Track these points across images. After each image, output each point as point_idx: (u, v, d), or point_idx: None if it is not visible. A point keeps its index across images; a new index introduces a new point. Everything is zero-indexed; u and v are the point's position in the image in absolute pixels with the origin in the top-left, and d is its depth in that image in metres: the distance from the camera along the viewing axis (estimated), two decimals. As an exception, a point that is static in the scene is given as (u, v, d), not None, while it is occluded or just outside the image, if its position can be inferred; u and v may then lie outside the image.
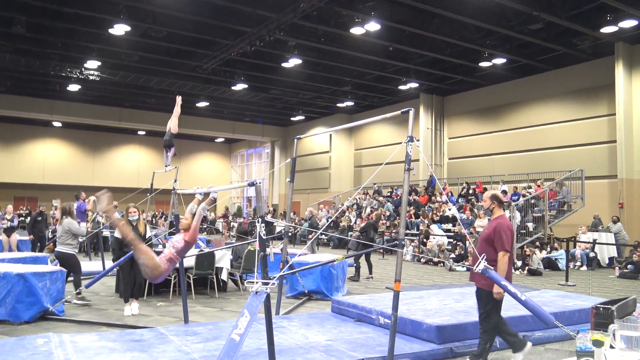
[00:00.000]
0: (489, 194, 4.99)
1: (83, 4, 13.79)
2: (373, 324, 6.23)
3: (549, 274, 12.91)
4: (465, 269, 13.29)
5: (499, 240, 4.67)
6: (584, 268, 14.00)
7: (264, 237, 4.06)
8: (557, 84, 18.54)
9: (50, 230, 14.76)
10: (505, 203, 4.93)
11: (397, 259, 4.69)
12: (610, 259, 14.56)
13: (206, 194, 5.37)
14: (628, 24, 14.04)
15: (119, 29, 15.10)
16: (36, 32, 15.70)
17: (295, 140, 7.22)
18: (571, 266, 13.19)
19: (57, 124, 30.04)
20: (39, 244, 12.23)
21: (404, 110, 4.82)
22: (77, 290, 7.42)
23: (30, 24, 14.82)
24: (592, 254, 14.23)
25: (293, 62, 18.25)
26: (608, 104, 16.75)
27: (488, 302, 4.72)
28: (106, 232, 12.52)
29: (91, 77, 20.70)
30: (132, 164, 32.83)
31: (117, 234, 7.59)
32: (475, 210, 16.84)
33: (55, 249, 7.66)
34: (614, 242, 14.45)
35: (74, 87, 22.46)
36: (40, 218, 12.37)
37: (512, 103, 20.14)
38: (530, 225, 15.42)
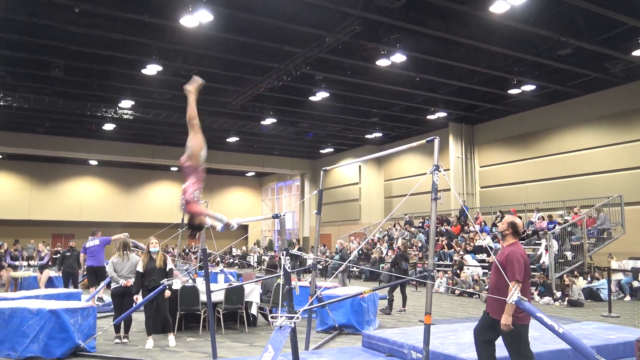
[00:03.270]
0: (508, 219, 4.78)
1: (117, 46, 14.33)
2: (405, 358, 6.04)
3: (590, 305, 12.39)
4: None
5: (511, 269, 4.41)
6: (628, 298, 13.38)
7: (290, 270, 4.01)
8: (590, 109, 18.14)
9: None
10: (520, 233, 4.69)
11: (427, 291, 4.56)
12: (656, 288, 13.90)
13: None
14: (660, 45, 13.73)
15: (151, 69, 15.60)
16: (73, 74, 16.36)
17: (322, 172, 7.21)
18: (614, 297, 12.63)
19: (93, 162, 30.96)
20: (70, 280, 12.35)
21: (429, 139, 4.77)
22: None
23: (68, 67, 15.45)
24: (635, 283, 13.61)
25: (320, 95, 18.44)
26: (645, 128, 16.28)
27: (515, 335, 4.44)
28: None
29: (125, 116, 21.33)
30: (164, 199, 33.41)
31: (139, 268, 7.55)
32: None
33: (130, 285, 7.57)
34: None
35: (109, 127, 23.20)
36: (69, 254, 12.44)
37: (544, 129, 19.78)
38: (569, 254, 14.91)
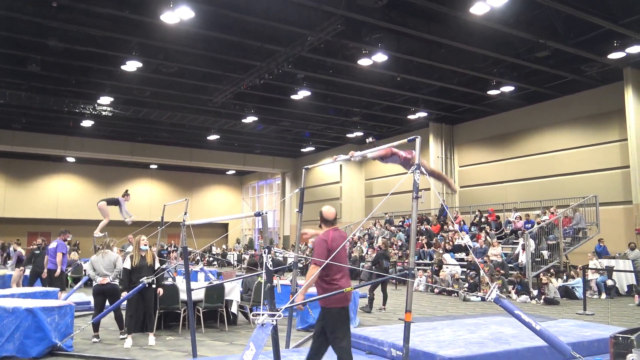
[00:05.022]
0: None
1: (96, 42, 14.12)
2: (385, 356, 6.08)
3: (566, 303, 12.61)
4: (480, 299, 13.04)
5: (314, 254, 4.68)
6: (604, 296, 13.65)
7: (271, 269, 4.01)
8: (566, 111, 18.48)
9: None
10: (330, 221, 5.05)
11: (408, 289, 4.59)
12: (629, 286, 14.21)
13: None
14: (635, 49, 14.02)
15: (131, 66, 15.40)
16: (50, 70, 16.08)
17: (303, 170, 7.22)
18: (589, 294, 12.86)
19: (70, 159, 30.48)
20: (38, 279, 12.06)
21: (411, 138, 4.80)
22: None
23: (45, 62, 15.17)
24: (610, 282, 13.90)
25: (302, 94, 18.44)
26: (619, 130, 16.62)
27: (336, 322, 4.54)
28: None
29: (104, 113, 21.04)
30: (144, 197, 33.00)
31: (126, 265, 7.55)
32: (489, 238, 16.62)
33: (108, 282, 7.49)
34: (632, 270, 14.13)
35: (87, 123, 22.85)
36: (38, 252, 12.11)
37: (522, 130, 20.08)
38: (545, 253, 15.16)
